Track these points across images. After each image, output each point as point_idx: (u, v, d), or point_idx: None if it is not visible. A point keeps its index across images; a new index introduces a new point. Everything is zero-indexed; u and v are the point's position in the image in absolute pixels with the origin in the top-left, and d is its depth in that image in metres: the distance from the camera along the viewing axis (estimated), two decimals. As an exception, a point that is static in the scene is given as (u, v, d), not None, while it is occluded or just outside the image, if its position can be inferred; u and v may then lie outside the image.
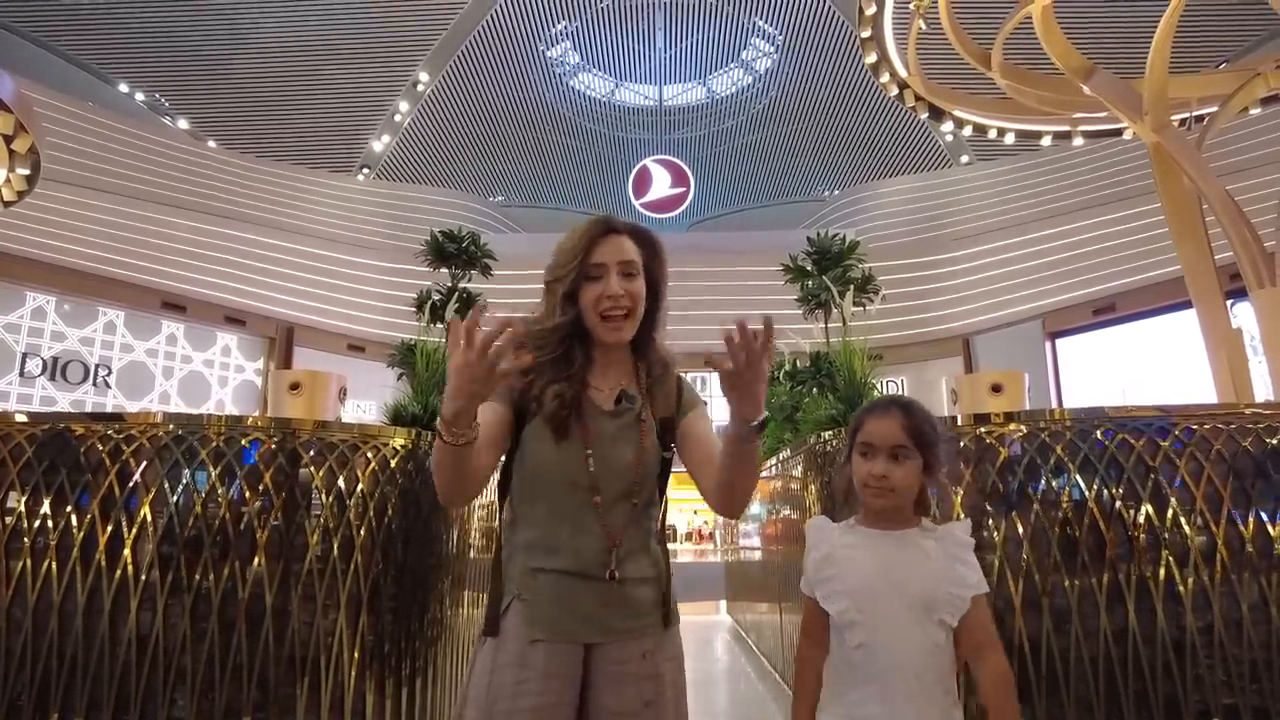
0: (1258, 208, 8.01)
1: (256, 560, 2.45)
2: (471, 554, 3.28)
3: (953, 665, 1.33)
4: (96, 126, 15.00)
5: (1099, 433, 2.55)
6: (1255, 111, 7.44)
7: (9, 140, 6.61)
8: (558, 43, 23.93)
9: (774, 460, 4.81)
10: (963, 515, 2.56)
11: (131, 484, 2.48)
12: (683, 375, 1.55)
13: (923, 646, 1.30)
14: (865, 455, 1.40)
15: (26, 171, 7.14)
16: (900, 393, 15.65)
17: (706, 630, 7.34)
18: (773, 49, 23.89)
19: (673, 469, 1.51)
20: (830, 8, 20.99)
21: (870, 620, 1.32)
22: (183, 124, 21.29)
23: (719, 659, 5.97)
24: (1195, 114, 7.13)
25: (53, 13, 18.32)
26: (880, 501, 1.38)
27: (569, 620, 1.33)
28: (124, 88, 20.42)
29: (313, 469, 2.58)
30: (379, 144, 23.18)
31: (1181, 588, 2.38)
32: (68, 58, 19.18)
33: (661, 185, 25.15)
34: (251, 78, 20.88)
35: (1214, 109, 6.91)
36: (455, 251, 4.19)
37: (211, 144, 19.18)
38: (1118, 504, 2.46)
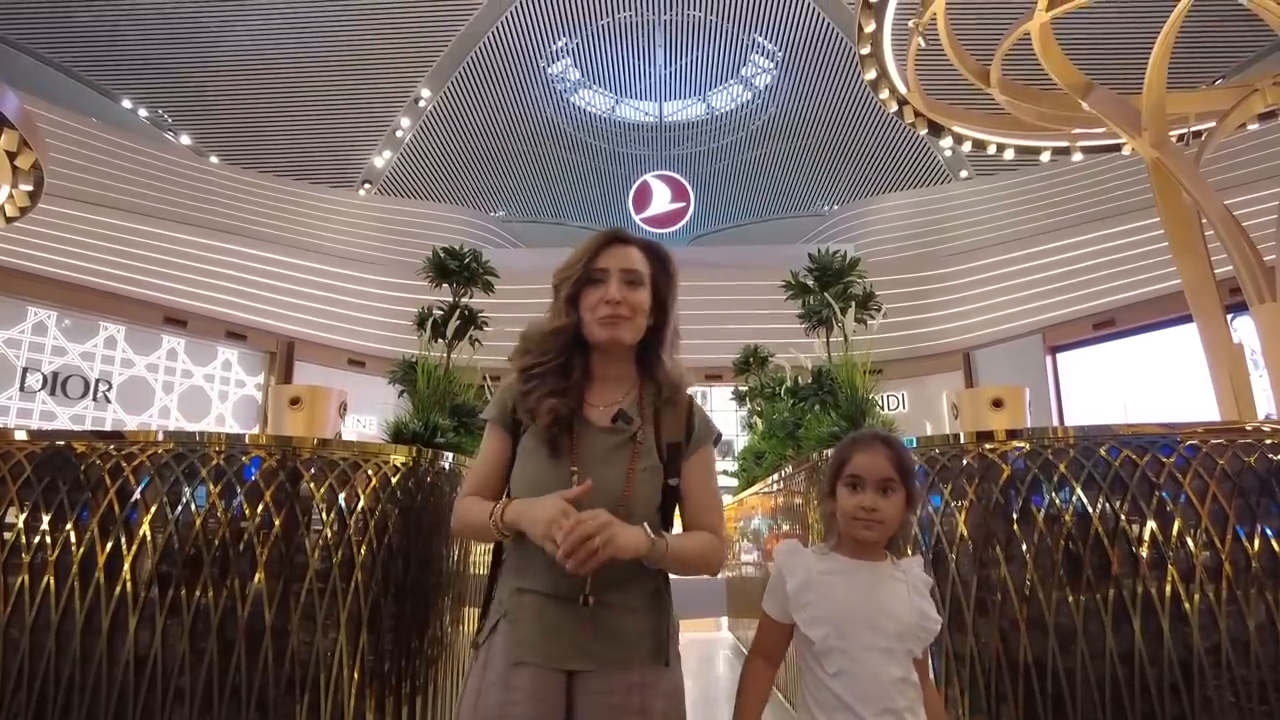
0: (1257, 222, 8.04)
1: (256, 578, 2.43)
2: (472, 571, 3.27)
3: (920, 695, 1.37)
4: (99, 142, 15.08)
5: (1103, 450, 2.54)
6: (1253, 127, 7.48)
7: (12, 157, 6.62)
8: (558, 59, 24.08)
9: (776, 476, 4.80)
10: (966, 534, 2.55)
11: (132, 501, 2.47)
12: (698, 404, 1.49)
13: (894, 675, 1.34)
14: (853, 488, 1.41)
15: (29, 188, 7.14)
16: (900, 408, 15.67)
17: (707, 647, 7.29)
18: (772, 65, 24.03)
19: None
20: (829, 24, 21.14)
21: (848, 648, 1.34)
22: (185, 140, 21.38)
23: (720, 676, 5.92)
24: (1193, 129, 7.17)
25: (57, 29, 18.46)
26: (869, 534, 1.40)
27: (551, 644, 1.29)
28: (127, 104, 20.52)
29: (313, 486, 2.56)
30: (380, 159, 23.28)
31: (1188, 605, 2.36)
32: (71, 74, 19.30)
33: (662, 200, 25.23)
34: (253, 94, 21.01)
35: (1212, 124, 6.95)
36: (457, 268, 4.18)
37: (214, 159, 19.27)
38: (1122, 521, 2.45)
